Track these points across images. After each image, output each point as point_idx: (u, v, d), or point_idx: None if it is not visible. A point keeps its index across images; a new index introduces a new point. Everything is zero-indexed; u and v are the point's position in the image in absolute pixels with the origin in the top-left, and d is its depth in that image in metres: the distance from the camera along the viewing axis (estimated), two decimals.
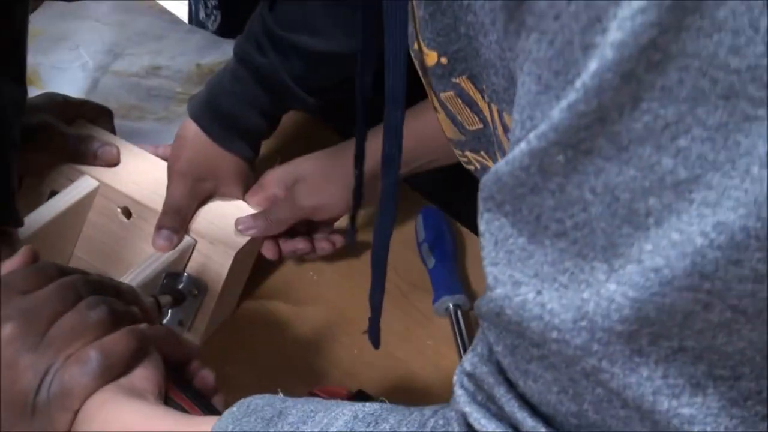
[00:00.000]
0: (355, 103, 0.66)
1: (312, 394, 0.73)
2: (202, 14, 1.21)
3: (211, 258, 0.81)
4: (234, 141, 0.86)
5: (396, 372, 0.83)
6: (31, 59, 1.08)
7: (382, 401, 0.72)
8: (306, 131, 1.03)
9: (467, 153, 0.64)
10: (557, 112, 0.32)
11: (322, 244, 0.88)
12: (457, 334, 0.85)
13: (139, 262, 0.78)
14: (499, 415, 0.41)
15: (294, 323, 0.86)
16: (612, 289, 0.33)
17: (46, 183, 0.87)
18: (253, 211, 0.85)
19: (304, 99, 0.86)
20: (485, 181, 0.37)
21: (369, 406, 0.49)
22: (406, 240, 0.94)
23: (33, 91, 1.05)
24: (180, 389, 0.58)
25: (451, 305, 0.87)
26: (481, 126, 0.58)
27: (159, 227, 0.80)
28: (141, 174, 0.85)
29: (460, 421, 0.43)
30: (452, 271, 0.90)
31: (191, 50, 1.15)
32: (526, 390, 0.40)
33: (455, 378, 0.44)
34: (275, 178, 0.87)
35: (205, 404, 0.58)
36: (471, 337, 0.84)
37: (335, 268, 0.92)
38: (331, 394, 0.73)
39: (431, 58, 0.54)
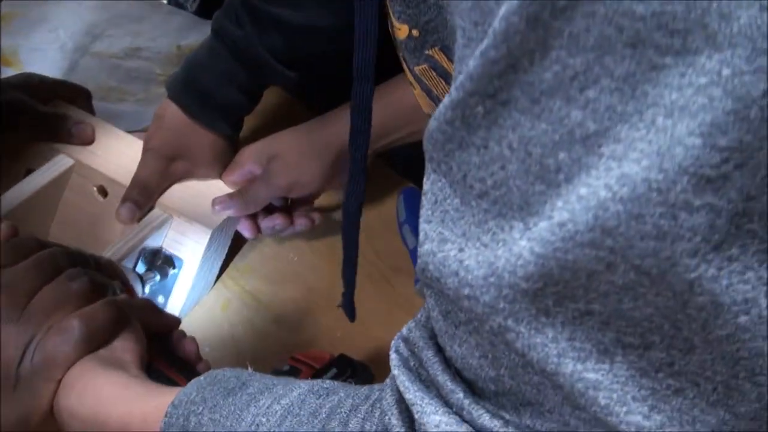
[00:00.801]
0: (354, 77, 0.65)
1: (294, 360, 0.73)
2: None
3: (188, 236, 0.80)
4: (212, 118, 0.84)
5: (378, 353, 0.82)
6: (11, 41, 1.07)
7: (363, 365, 0.73)
8: (286, 111, 1.02)
9: None
10: (472, 61, 0.32)
11: (301, 220, 0.87)
12: None
13: (116, 240, 0.77)
14: (427, 380, 0.41)
15: (273, 303, 0.86)
16: (522, 245, 0.33)
17: (21, 162, 0.85)
18: (229, 191, 0.84)
19: (283, 73, 0.85)
20: (423, 140, 0.37)
21: (326, 383, 0.50)
22: (387, 221, 0.94)
23: (12, 73, 1.04)
24: (164, 359, 0.59)
25: None
26: None
27: (123, 199, 0.79)
28: (117, 153, 0.84)
29: (393, 387, 0.43)
30: None
31: (171, 32, 1.13)
32: (452, 354, 0.40)
33: (392, 343, 0.45)
34: (250, 155, 0.85)
35: (189, 372, 0.58)
36: None
37: (314, 248, 0.91)
38: (313, 359, 0.73)
39: (402, 31, 0.54)
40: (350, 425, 0.46)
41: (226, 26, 0.83)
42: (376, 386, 0.48)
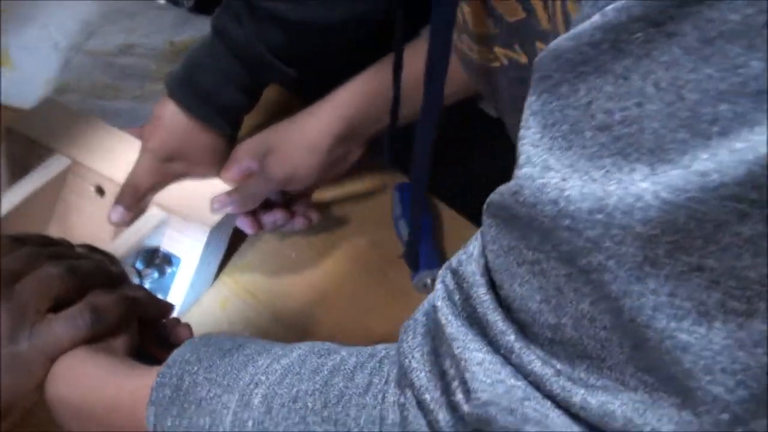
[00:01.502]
0: (394, 19, 0.65)
1: None
2: None
3: (186, 234, 0.80)
4: (212, 117, 0.84)
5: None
6: (1, 39, 1.07)
7: None
8: (285, 107, 1.03)
9: (496, 49, 0.63)
10: None
11: (299, 219, 0.88)
12: None
13: (115, 239, 0.77)
14: (470, 317, 0.40)
15: (271, 300, 0.86)
16: (642, 187, 0.31)
17: (19, 164, 0.86)
18: (227, 188, 0.84)
19: (283, 71, 0.85)
20: (541, 59, 0.35)
21: (327, 344, 0.50)
22: (382, 216, 0.94)
23: (4, 72, 1.04)
24: (157, 345, 0.60)
25: (429, 280, 0.87)
26: (523, 16, 0.57)
27: (116, 202, 0.79)
28: (114, 152, 0.84)
29: (415, 329, 0.42)
30: (430, 245, 0.90)
31: (165, 28, 1.13)
32: (510, 293, 0.38)
33: (440, 273, 0.43)
34: (247, 151, 0.85)
35: None
36: None
37: (313, 245, 0.92)
38: None
39: None
40: (356, 379, 0.45)
41: (225, 24, 0.83)
42: (380, 346, 0.47)
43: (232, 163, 0.85)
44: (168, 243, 0.80)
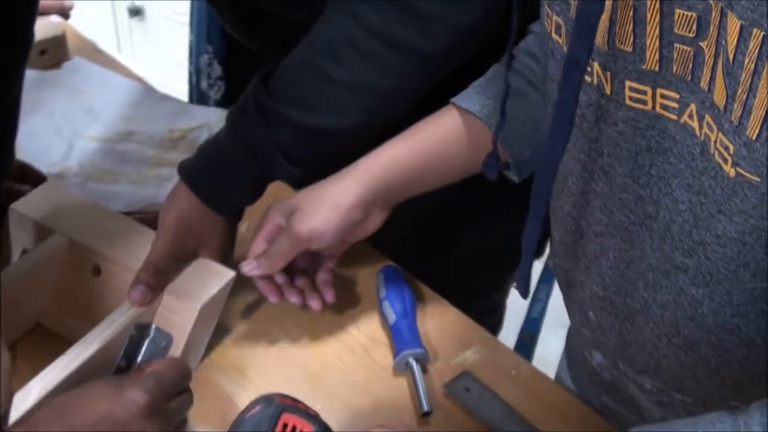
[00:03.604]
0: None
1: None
2: (204, 84, 1.25)
3: (177, 312, 0.83)
4: (221, 205, 0.89)
5: (357, 425, 0.85)
6: None
7: None
8: None
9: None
10: None
11: (313, 303, 0.90)
12: (417, 386, 0.87)
13: (109, 315, 0.81)
14: None
15: (258, 377, 0.89)
16: None
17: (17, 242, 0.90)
18: (217, 269, 0.87)
19: (290, 171, 0.89)
20: None
21: None
22: (367, 297, 0.98)
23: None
24: None
25: (411, 359, 0.89)
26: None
27: (136, 281, 0.82)
28: (111, 233, 0.88)
29: None
30: (412, 326, 0.93)
31: (163, 116, 1.19)
32: None
33: None
34: (276, 210, 0.89)
35: None
36: (430, 390, 0.87)
37: (299, 325, 0.94)
38: None
39: None
40: None
41: (240, 120, 0.88)
42: None
43: (263, 222, 0.89)
44: (159, 321, 0.84)
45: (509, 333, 1.29)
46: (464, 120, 0.88)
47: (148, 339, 0.83)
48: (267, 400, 0.71)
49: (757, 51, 0.52)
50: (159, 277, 0.83)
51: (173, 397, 0.73)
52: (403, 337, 0.91)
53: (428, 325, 0.96)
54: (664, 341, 0.72)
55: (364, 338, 0.94)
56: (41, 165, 1.08)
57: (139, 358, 0.82)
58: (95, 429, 0.64)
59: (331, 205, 0.87)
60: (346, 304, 0.97)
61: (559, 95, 0.65)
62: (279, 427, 0.68)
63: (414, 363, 0.89)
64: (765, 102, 0.53)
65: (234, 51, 1.17)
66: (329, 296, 0.91)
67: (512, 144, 0.87)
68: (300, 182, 0.92)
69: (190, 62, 1.28)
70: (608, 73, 0.65)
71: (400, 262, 1.01)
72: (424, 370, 0.90)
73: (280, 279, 0.90)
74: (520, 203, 0.77)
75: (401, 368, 0.90)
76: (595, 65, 0.65)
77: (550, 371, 0.98)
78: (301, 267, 0.92)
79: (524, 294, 0.77)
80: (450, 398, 0.88)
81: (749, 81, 0.54)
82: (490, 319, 0.97)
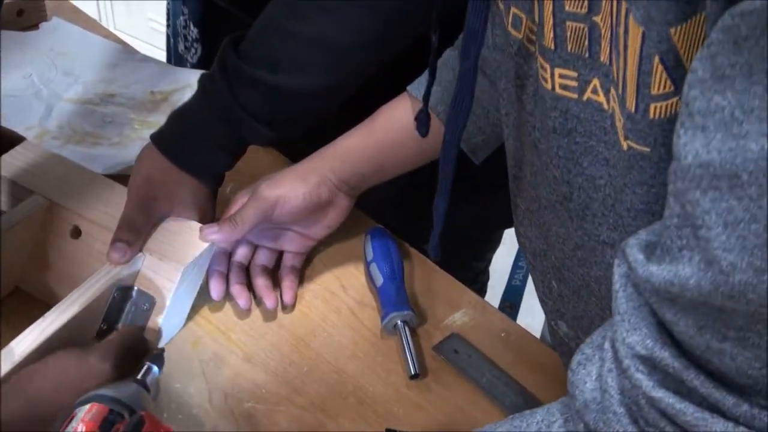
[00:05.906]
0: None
1: None
2: (181, 47, 1.23)
3: (160, 274, 0.82)
4: (196, 170, 0.88)
5: (345, 387, 0.84)
6: None
7: None
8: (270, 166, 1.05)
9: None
10: None
11: (268, 301, 0.90)
12: (405, 348, 0.86)
13: (90, 277, 0.79)
14: (691, 397, 0.41)
15: (243, 340, 0.87)
16: None
17: None
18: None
19: (263, 132, 0.89)
20: None
21: None
22: (354, 260, 0.96)
23: None
24: None
25: (399, 321, 0.88)
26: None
27: (113, 240, 0.81)
28: (90, 194, 0.86)
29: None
30: (400, 288, 0.92)
31: (144, 78, 1.16)
32: (721, 367, 0.40)
33: (626, 363, 0.44)
34: (245, 192, 0.90)
35: None
36: (418, 353, 0.86)
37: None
38: None
39: None
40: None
41: (211, 84, 0.87)
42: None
43: (231, 204, 0.90)
44: (141, 282, 0.82)
45: (493, 303, 1.28)
46: (415, 107, 0.87)
47: (130, 301, 0.81)
48: None
49: (624, 21, 0.51)
50: (134, 233, 0.82)
51: (136, 364, 0.72)
52: (391, 300, 0.90)
53: (416, 288, 0.94)
54: (608, 314, 0.71)
55: (352, 301, 0.92)
56: (19, 128, 1.06)
57: (121, 322, 0.81)
58: (57, 395, 0.65)
59: (298, 176, 0.89)
60: (333, 266, 0.96)
61: (460, 67, 0.64)
62: None
63: (402, 325, 0.88)
64: (635, 74, 0.51)
65: (209, 12, 1.15)
66: (288, 297, 0.91)
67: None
68: (278, 144, 0.93)
69: (167, 25, 1.26)
70: (529, 47, 0.63)
71: (387, 224, 1.00)
72: (413, 332, 0.88)
73: (236, 278, 0.90)
74: (490, 181, 0.79)
75: (389, 330, 0.89)
76: (527, 33, 0.64)
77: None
78: (263, 264, 0.92)
79: (435, 254, 0.80)
80: (438, 360, 0.87)
81: (624, 53, 0.52)
82: (472, 287, 0.96)
